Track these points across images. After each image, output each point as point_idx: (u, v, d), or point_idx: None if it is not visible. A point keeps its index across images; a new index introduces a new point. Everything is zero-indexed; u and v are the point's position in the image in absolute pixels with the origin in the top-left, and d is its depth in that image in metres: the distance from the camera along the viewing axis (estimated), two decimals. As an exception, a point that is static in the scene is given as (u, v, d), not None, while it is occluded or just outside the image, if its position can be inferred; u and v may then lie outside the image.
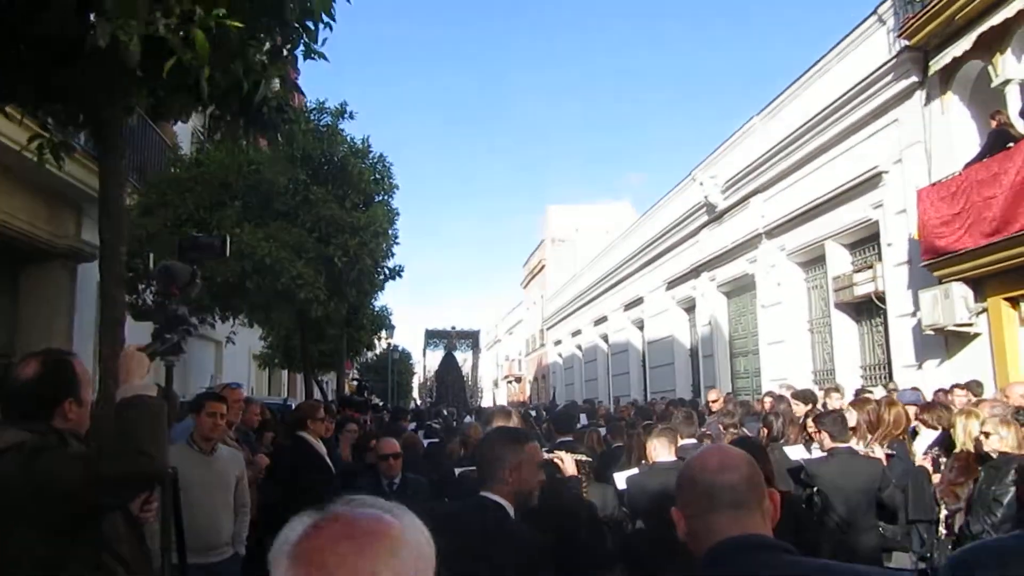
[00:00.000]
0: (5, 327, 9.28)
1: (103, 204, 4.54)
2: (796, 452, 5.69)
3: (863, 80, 11.45)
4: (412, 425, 14.85)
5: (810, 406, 7.79)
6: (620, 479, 5.31)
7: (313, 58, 4.49)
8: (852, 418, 5.73)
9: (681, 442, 5.39)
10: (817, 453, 5.42)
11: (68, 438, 2.39)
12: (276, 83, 4.58)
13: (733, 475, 1.71)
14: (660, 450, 4.86)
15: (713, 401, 10.28)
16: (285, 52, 4.38)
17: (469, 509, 2.94)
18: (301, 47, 4.38)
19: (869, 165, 11.52)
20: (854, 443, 5.35)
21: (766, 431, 6.43)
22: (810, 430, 5.85)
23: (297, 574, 1.06)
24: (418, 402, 46.99)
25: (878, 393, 8.55)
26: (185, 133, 13.62)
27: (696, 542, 1.71)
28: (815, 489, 4.97)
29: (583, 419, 10.45)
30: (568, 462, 4.43)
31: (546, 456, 4.17)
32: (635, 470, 5.32)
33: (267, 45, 4.14)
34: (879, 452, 5.40)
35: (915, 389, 8.46)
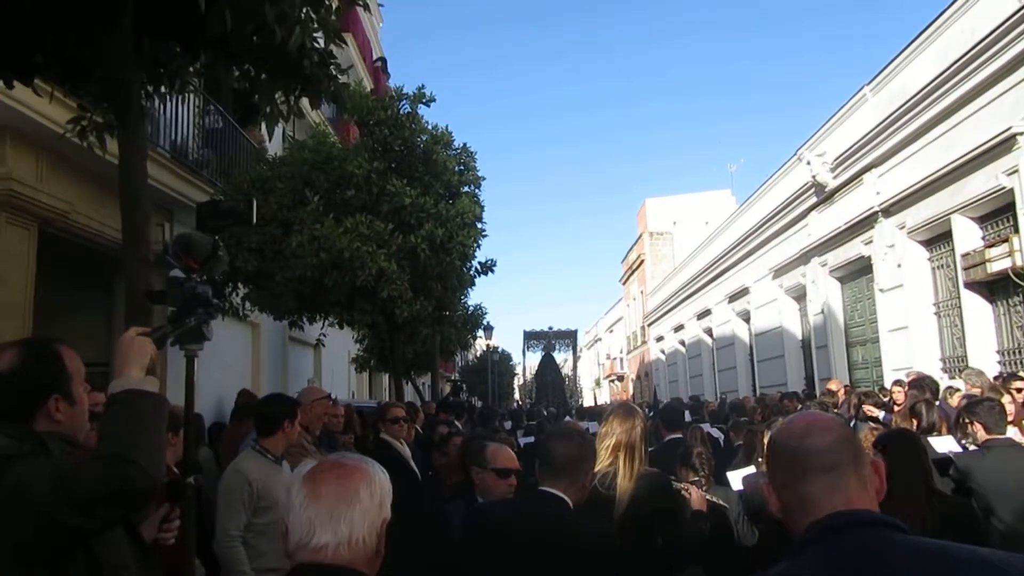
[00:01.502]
0: (101, 336, 9.36)
1: (123, 173, 4.18)
2: (944, 444, 4.90)
3: (988, 35, 10.33)
4: (508, 424, 14.54)
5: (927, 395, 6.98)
6: (736, 479, 4.71)
7: (359, 4, 4.05)
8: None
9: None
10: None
11: (53, 443, 1.96)
12: (319, 35, 4.12)
13: (822, 437, 1.55)
14: None
15: (831, 392, 9.43)
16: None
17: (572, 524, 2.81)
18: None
19: (1000, 127, 10.36)
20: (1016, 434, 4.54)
21: (915, 423, 5.59)
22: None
23: (305, 488, 1.67)
24: (519, 403, 46.94)
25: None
26: (276, 139, 13.66)
27: (792, 518, 1.56)
28: (969, 489, 4.22)
29: (686, 415, 9.85)
30: (696, 497, 3.89)
31: (676, 485, 3.86)
32: (752, 468, 4.72)
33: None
34: (1048, 444, 4.55)
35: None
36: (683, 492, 3.81)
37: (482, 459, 3.91)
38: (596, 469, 3.39)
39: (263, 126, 4.59)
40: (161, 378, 4.68)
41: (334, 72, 4.39)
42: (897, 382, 8.12)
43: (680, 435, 6.59)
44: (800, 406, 7.47)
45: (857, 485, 1.50)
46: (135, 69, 3.91)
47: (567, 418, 13.70)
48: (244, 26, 3.39)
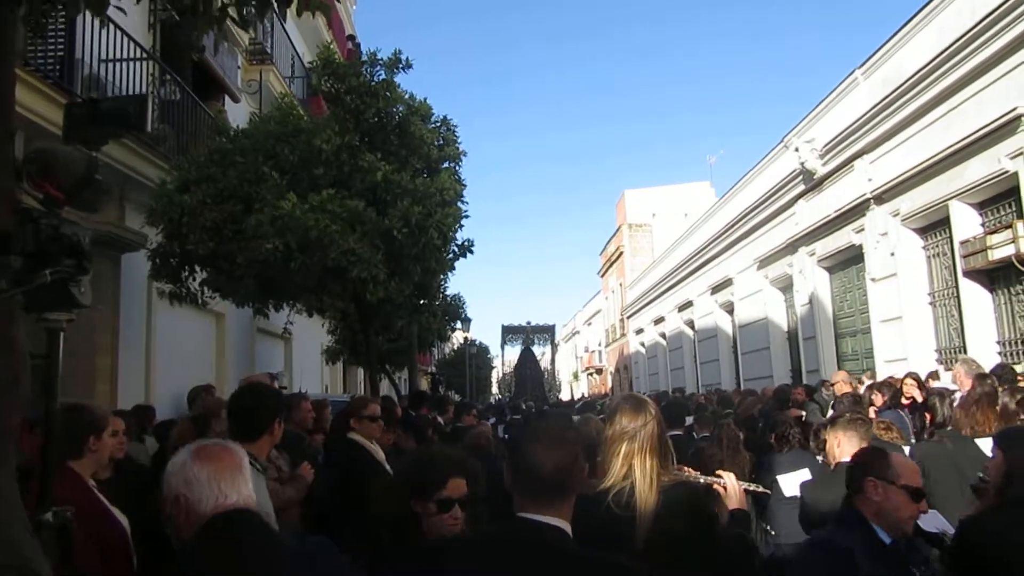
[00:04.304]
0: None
1: None
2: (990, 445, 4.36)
3: (993, 11, 9.86)
4: (491, 420, 13.97)
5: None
6: (788, 484, 4.15)
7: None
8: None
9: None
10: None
11: None
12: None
13: None
14: (847, 447, 3.67)
15: (833, 384, 8.92)
16: None
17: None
18: None
19: (1004, 108, 9.90)
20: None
21: (928, 417, 5.10)
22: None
23: (204, 465, 2.05)
24: (498, 397, 46.52)
25: None
26: (242, 116, 12.93)
27: None
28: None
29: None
30: (732, 490, 2.97)
31: (703, 480, 2.97)
32: (805, 472, 4.17)
33: None
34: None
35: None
36: (715, 486, 2.94)
37: (887, 471, 2.76)
38: (610, 483, 2.68)
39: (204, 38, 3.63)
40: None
41: None
42: (910, 374, 7.61)
43: (680, 432, 6.15)
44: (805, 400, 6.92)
45: None
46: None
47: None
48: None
